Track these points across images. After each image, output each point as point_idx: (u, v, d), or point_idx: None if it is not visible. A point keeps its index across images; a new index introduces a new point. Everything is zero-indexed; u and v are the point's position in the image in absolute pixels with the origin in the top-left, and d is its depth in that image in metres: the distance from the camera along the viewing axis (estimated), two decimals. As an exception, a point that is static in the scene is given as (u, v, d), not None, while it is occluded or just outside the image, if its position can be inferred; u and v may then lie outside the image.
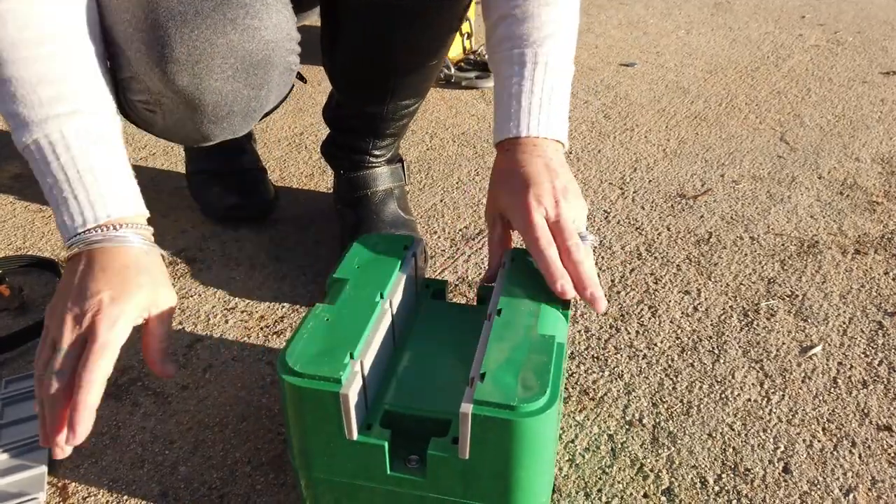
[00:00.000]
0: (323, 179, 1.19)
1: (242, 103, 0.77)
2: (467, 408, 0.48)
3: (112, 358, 0.55)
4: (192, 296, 0.91)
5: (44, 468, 0.65)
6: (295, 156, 1.27)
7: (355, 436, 0.50)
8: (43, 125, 0.57)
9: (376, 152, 0.96)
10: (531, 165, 0.64)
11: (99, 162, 0.58)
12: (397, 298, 0.59)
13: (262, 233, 1.04)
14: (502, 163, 0.67)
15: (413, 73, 0.86)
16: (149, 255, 0.60)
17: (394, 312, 0.58)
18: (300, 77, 0.90)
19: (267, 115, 0.82)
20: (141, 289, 0.57)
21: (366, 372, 0.52)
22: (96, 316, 0.54)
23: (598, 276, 0.89)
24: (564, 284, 0.58)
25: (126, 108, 0.73)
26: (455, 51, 1.62)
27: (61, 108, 0.57)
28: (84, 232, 0.57)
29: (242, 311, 0.88)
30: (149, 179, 1.19)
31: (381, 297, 0.57)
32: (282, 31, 0.72)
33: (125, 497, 0.65)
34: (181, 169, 1.20)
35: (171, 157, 1.26)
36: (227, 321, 0.86)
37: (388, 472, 0.52)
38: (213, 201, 1.05)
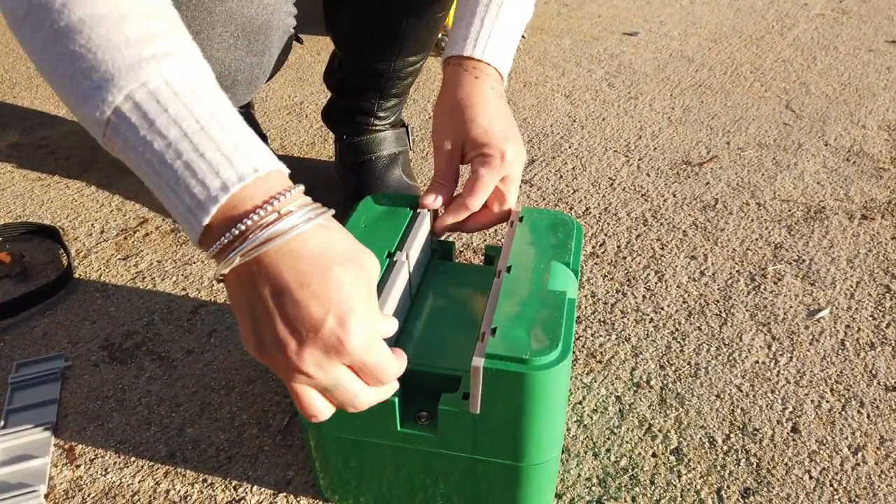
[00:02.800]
0: (324, 148, 1.17)
1: (246, 71, 0.75)
2: (479, 361, 0.47)
3: (396, 373, 0.44)
4: (194, 262, 0.90)
5: (46, 459, 0.64)
6: (295, 124, 1.25)
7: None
8: (136, 71, 0.39)
9: (381, 114, 0.95)
10: (487, 98, 0.62)
11: (218, 108, 0.41)
12: (414, 256, 0.58)
13: (265, 200, 1.03)
14: (451, 84, 0.64)
15: (421, 24, 0.85)
16: (325, 230, 0.42)
17: (411, 270, 0.58)
18: (297, 38, 0.89)
19: (267, 80, 0.80)
20: (357, 283, 0.41)
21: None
22: (341, 350, 0.40)
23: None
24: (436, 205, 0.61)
25: None
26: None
27: (156, 48, 0.40)
28: (232, 220, 0.39)
29: (246, 278, 0.87)
30: (148, 148, 1.17)
31: (390, 254, 0.57)
32: None
33: (133, 458, 0.65)
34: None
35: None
36: (230, 287, 0.86)
37: (399, 428, 0.52)
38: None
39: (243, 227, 0.39)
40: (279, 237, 0.39)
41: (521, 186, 1.07)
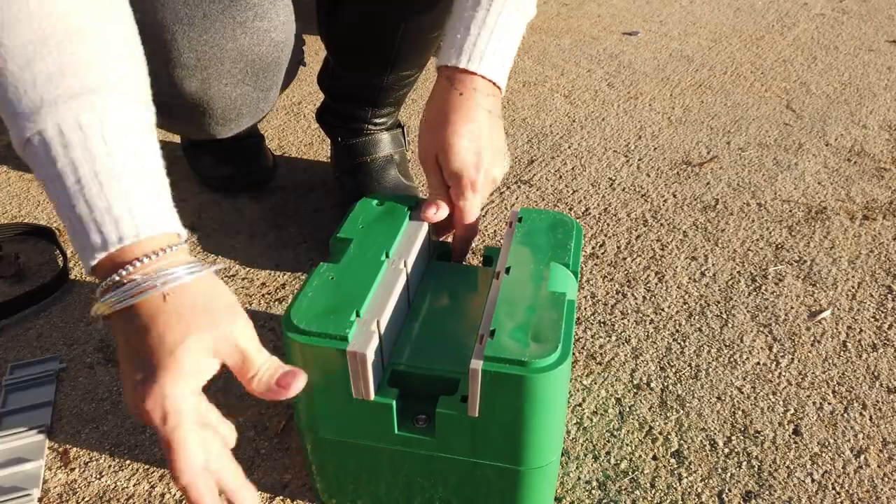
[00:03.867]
0: (322, 148, 1.17)
1: (251, 105, 0.75)
2: (477, 364, 0.46)
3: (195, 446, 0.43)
4: (191, 263, 0.89)
5: (40, 462, 0.63)
6: (293, 125, 1.25)
7: (372, 396, 0.49)
8: (52, 110, 0.40)
9: (376, 120, 0.94)
10: (467, 120, 0.61)
11: (123, 161, 0.42)
12: (412, 258, 0.58)
13: (262, 201, 1.02)
14: (438, 98, 0.63)
15: (414, 45, 0.84)
16: (196, 285, 0.44)
17: (409, 273, 0.57)
18: (302, 62, 0.88)
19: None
20: (183, 348, 0.42)
21: (382, 332, 0.51)
22: (141, 408, 0.41)
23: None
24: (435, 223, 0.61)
25: None
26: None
27: (64, 89, 0.41)
28: (112, 269, 0.42)
29: (243, 279, 0.87)
30: (145, 148, 1.17)
31: (387, 255, 0.56)
32: (289, 30, 0.70)
33: (128, 461, 0.64)
34: (178, 138, 1.18)
35: (168, 127, 1.24)
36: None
37: (396, 431, 0.51)
38: (211, 170, 1.04)
39: (117, 279, 0.42)
40: (138, 295, 0.42)
41: (520, 186, 1.06)
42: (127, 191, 0.42)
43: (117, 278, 0.42)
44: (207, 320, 0.43)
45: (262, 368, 0.45)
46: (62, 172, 0.41)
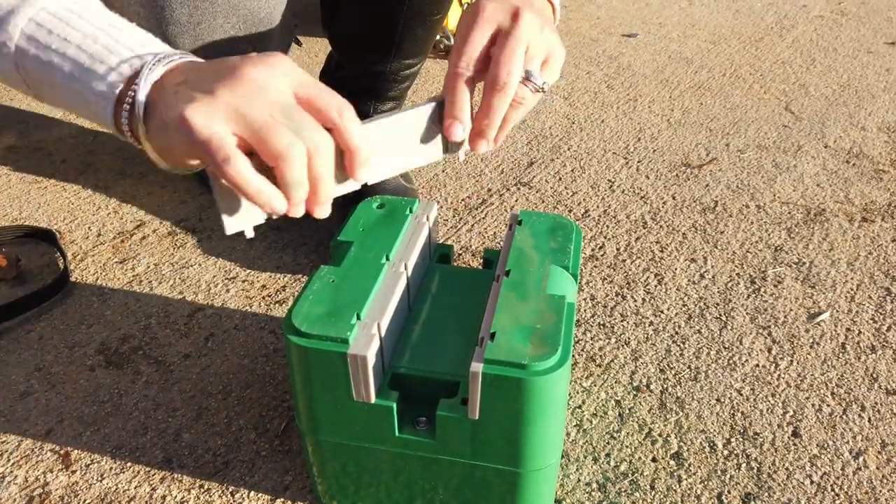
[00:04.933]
0: (323, 150, 1.17)
1: None
2: (477, 367, 0.47)
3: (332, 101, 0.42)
4: (192, 266, 0.90)
5: None
6: (294, 127, 1.25)
7: (373, 398, 0.50)
8: (22, 8, 0.46)
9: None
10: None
11: (107, 19, 0.47)
12: (412, 263, 0.58)
13: (262, 203, 1.02)
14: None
15: (418, 26, 0.84)
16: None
17: (409, 276, 0.57)
18: (296, 40, 0.88)
19: None
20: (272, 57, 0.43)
21: (383, 334, 0.51)
22: (243, 77, 0.40)
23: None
24: (453, 126, 0.49)
25: None
26: (454, 21, 1.59)
27: None
28: (135, 77, 0.45)
29: (244, 281, 0.87)
30: (146, 151, 1.17)
31: (387, 258, 0.56)
32: None
33: (129, 464, 0.64)
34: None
35: (168, 129, 1.24)
36: (228, 290, 0.85)
37: (397, 433, 0.51)
38: (212, 171, 1.04)
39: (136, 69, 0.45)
40: (163, 62, 0.44)
41: (519, 188, 1.07)
42: (115, 30, 0.46)
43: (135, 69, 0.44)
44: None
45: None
46: (59, 48, 0.45)
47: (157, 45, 0.47)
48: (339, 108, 0.43)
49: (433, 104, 0.52)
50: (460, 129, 0.49)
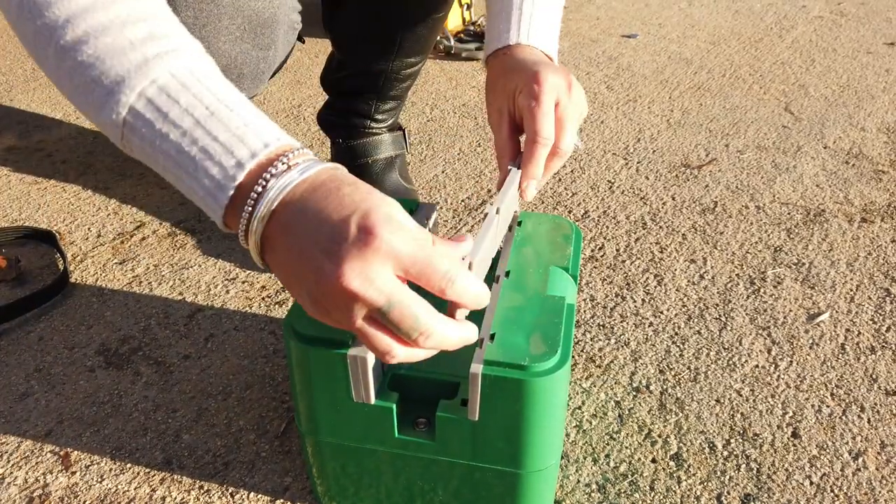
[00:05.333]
0: (322, 151, 1.17)
1: (252, 64, 0.75)
2: (477, 368, 0.47)
3: (465, 279, 0.39)
4: (192, 266, 0.90)
5: None
6: (293, 127, 1.25)
7: (373, 400, 0.50)
8: (144, 71, 0.41)
9: (378, 116, 0.94)
10: (535, 58, 0.58)
11: (226, 93, 0.43)
12: None
13: (262, 204, 1.02)
14: (498, 67, 0.60)
15: (420, 25, 0.84)
16: (333, 169, 0.42)
17: None
18: (299, 38, 0.88)
19: (271, 77, 0.80)
20: (373, 191, 0.40)
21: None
22: (375, 244, 0.37)
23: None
24: (528, 188, 0.55)
25: None
26: (454, 22, 1.59)
27: (160, 47, 0.42)
28: (249, 188, 0.40)
29: (243, 282, 0.87)
30: (145, 151, 1.17)
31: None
32: None
33: (129, 465, 0.64)
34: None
35: (168, 130, 1.24)
36: (227, 291, 0.85)
37: (396, 435, 0.51)
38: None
39: (260, 189, 0.40)
40: (290, 185, 0.40)
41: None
42: (244, 115, 0.42)
43: (268, 177, 0.40)
44: (371, 191, 0.40)
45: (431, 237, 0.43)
46: (176, 121, 0.41)
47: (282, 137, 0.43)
48: (447, 278, 0.39)
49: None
50: (534, 190, 0.56)
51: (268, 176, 0.40)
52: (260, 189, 0.40)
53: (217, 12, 0.63)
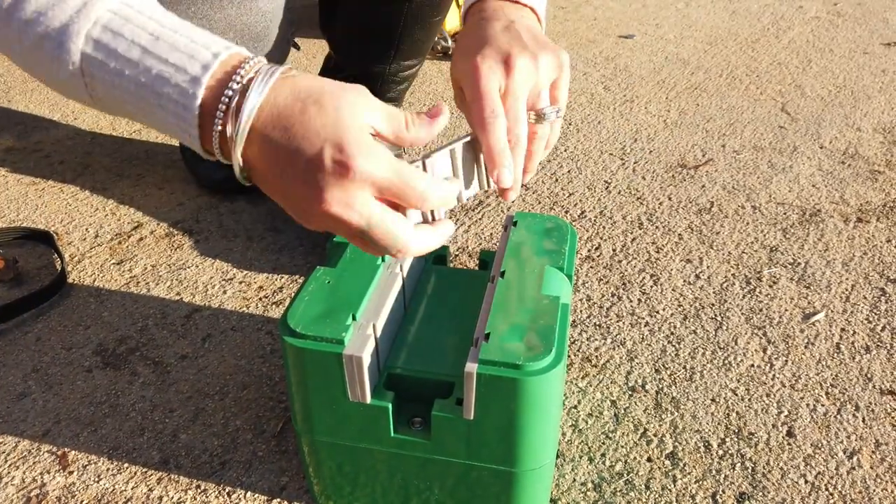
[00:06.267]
0: (320, 151, 1.17)
1: None
2: (472, 367, 0.47)
3: (437, 190, 0.42)
4: (189, 267, 0.90)
5: None
6: (291, 128, 1.25)
7: (368, 399, 0.50)
8: (85, 13, 0.41)
9: None
10: (490, 28, 0.52)
11: (168, 19, 0.43)
12: (408, 264, 0.58)
13: (259, 205, 1.03)
14: (463, 33, 0.55)
15: (417, 28, 0.85)
16: (291, 79, 0.43)
17: (405, 277, 0.57)
18: (294, 45, 0.89)
19: None
20: (342, 107, 0.41)
21: (378, 335, 0.51)
22: (351, 175, 0.39)
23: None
24: (501, 174, 0.49)
25: None
26: (452, 22, 1.59)
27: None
28: (214, 103, 0.41)
29: (241, 282, 0.87)
30: (143, 152, 1.17)
31: (383, 259, 0.56)
32: (275, 1, 0.71)
33: (126, 464, 0.65)
34: (176, 141, 1.19)
35: (166, 130, 1.24)
36: (225, 292, 0.85)
37: (392, 433, 0.52)
38: (209, 173, 1.04)
39: (224, 108, 0.41)
40: (253, 109, 0.40)
41: (516, 190, 1.07)
42: (189, 33, 0.42)
43: (235, 84, 0.41)
44: (339, 85, 0.42)
45: (407, 114, 0.45)
46: (126, 54, 0.41)
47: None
48: (422, 198, 0.43)
49: (467, 139, 0.51)
50: (508, 175, 0.50)
51: (229, 92, 0.41)
52: (224, 107, 0.41)
53: (208, 27, 0.64)
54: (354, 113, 0.41)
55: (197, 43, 0.42)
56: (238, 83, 0.41)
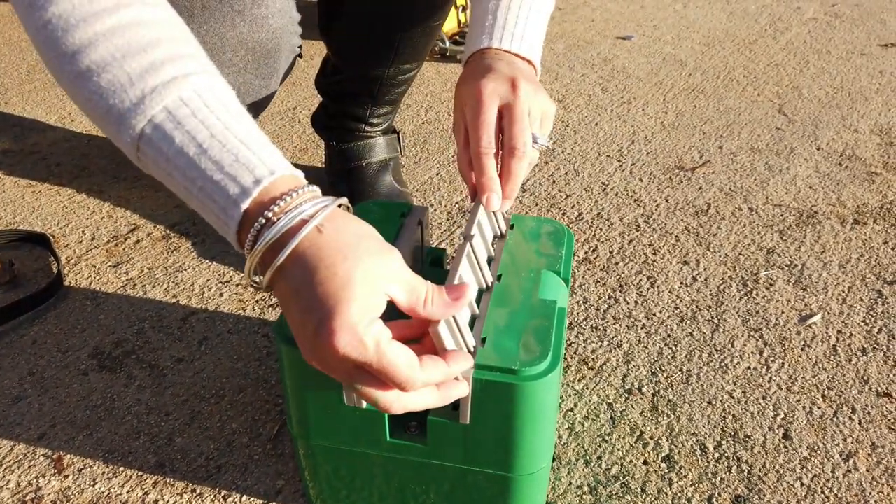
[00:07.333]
0: (317, 153, 1.17)
1: (255, 93, 0.76)
2: (468, 372, 0.47)
3: (408, 375, 0.41)
4: (185, 269, 0.90)
5: None
6: (288, 130, 1.25)
7: (364, 404, 0.50)
8: (155, 97, 0.43)
9: (373, 120, 0.94)
10: (494, 63, 0.56)
11: (231, 121, 0.44)
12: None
13: (257, 206, 1.02)
14: (464, 73, 0.59)
15: (417, 31, 0.85)
16: (338, 220, 0.43)
17: None
18: (299, 54, 0.89)
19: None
20: (351, 280, 0.40)
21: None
22: (333, 356, 0.40)
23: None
24: (491, 198, 0.53)
25: None
26: (450, 24, 1.59)
27: (159, 78, 0.44)
28: (260, 220, 0.42)
29: (237, 285, 0.87)
30: (140, 154, 1.17)
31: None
32: (286, 16, 0.71)
33: (121, 468, 0.64)
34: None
35: (163, 132, 1.24)
36: (221, 294, 0.85)
37: (388, 438, 0.52)
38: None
39: (264, 220, 0.42)
40: (293, 237, 0.41)
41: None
42: (247, 142, 0.44)
43: (265, 219, 0.42)
44: (368, 249, 0.42)
45: (429, 290, 0.44)
46: (182, 146, 0.43)
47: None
48: (404, 384, 0.42)
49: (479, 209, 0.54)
50: (496, 199, 0.54)
51: (273, 210, 0.42)
52: (273, 215, 0.42)
53: (221, 45, 0.64)
54: (367, 283, 0.41)
55: (256, 155, 0.43)
56: (285, 204, 0.42)
